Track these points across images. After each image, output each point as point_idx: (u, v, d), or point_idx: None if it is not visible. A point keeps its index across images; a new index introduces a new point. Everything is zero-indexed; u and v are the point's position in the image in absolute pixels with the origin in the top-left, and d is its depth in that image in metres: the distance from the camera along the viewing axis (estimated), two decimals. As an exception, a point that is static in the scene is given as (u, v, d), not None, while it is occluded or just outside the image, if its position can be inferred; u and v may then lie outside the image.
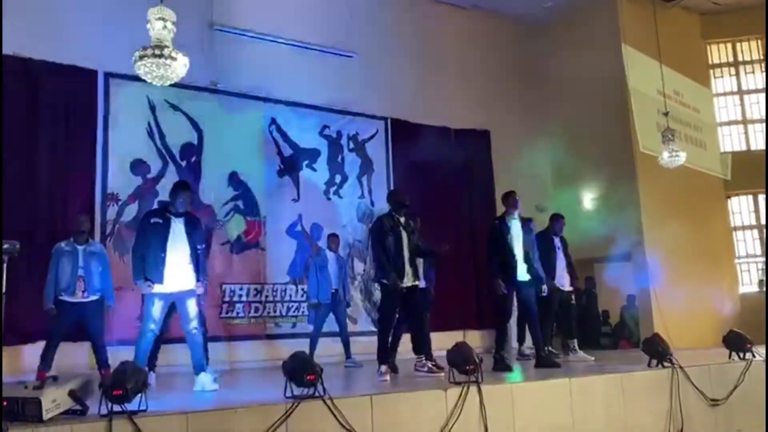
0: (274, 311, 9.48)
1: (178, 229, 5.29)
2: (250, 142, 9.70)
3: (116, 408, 3.41)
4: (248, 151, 9.64)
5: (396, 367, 6.44)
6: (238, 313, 9.20)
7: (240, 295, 9.23)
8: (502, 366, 6.12)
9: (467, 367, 4.51)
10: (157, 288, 5.17)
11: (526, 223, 6.76)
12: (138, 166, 8.79)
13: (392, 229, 5.94)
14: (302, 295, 9.56)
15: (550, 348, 7.47)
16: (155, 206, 8.39)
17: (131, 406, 3.45)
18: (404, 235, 5.95)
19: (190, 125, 9.26)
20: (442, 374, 5.42)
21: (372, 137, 10.90)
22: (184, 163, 9.14)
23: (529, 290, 6.52)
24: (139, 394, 3.51)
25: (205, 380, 5.19)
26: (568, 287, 7.56)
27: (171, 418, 3.54)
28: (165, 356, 6.49)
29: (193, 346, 5.29)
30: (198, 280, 5.30)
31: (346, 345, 8.27)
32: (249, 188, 9.56)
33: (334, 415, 3.89)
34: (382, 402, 4.14)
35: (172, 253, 5.20)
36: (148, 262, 5.18)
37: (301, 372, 3.95)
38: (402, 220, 6.02)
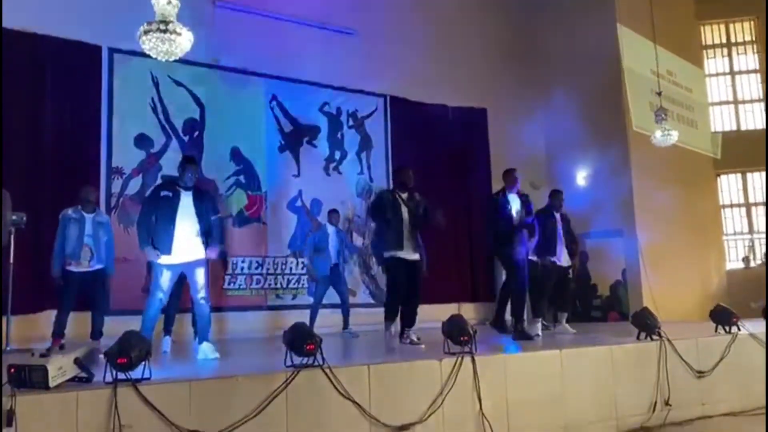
0: (275, 283, 9.50)
1: (186, 202, 5.26)
2: (252, 117, 9.64)
3: (121, 376, 3.41)
4: (249, 127, 9.59)
5: None
6: (240, 285, 9.22)
7: (242, 268, 9.24)
8: (523, 336, 6.18)
9: (462, 338, 4.52)
10: (166, 259, 5.16)
11: (524, 199, 6.72)
12: (142, 140, 8.74)
13: (392, 204, 5.91)
14: (302, 268, 9.57)
15: (542, 321, 7.49)
16: (159, 181, 8.41)
17: (135, 374, 3.45)
18: (404, 210, 5.92)
19: (193, 101, 9.19)
20: (423, 346, 5.60)
21: (371, 114, 10.84)
22: (186, 138, 9.09)
23: (525, 265, 6.54)
24: (143, 363, 3.51)
25: (207, 349, 5.21)
26: (565, 263, 7.52)
27: (174, 386, 3.55)
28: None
29: (200, 316, 5.31)
30: (209, 247, 5.29)
31: (347, 316, 8.29)
32: (251, 163, 9.53)
33: (333, 384, 3.90)
34: (379, 371, 4.16)
35: (181, 225, 5.19)
36: (157, 234, 5.16)
37: (300, 342, 3.95)
38: (404, 195, 5.98)
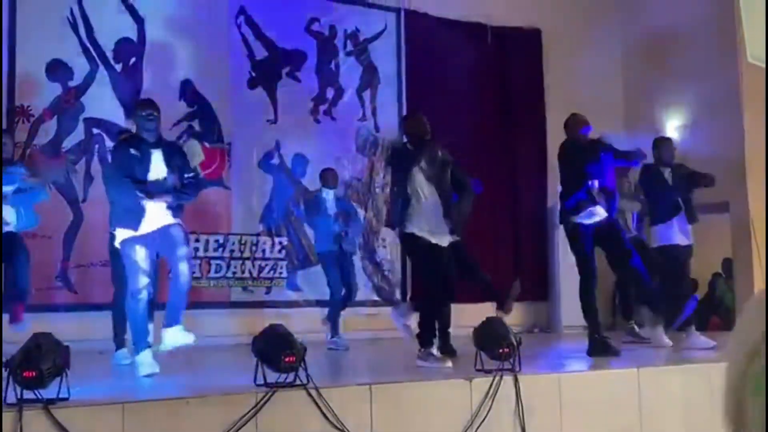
0: (242, 271, 9.54)
1: (156, 162, 5.44)
2: (211, 39, 9.62)
3: (28, 395, 3.45)
4: (207, 53, 9.57)
5: (454, 350, 6.55)
6: (193, 273, 9.24)
7: (196, 249, 9.27)
8: (603, 349, 6.17)
9: (500, 351, 4.54)
10: (131, 233, 5.34)
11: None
12: (56, 69, 8.73)
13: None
14: (280, 251, 9.60)
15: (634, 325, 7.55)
16: (80, 123, 8.58)
17: (48, 393, 3.49)
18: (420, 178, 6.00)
19: (128, 15, 9.16)
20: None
21: (378, 36, 10.78)
22: (119, 67, 9.08)
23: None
24: (59, 378, 3.54)
25: (177, 335, 5.20)
26: (686, 240, 7.34)
27: (101, 410, 3.59)
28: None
29: (177, 288, 5.47)
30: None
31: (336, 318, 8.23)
32: (208, 104, 9.52)
33: (320, 409, 3.93)
34: (385, 394, 4.19)
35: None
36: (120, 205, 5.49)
37: (277, 352, 3.99)
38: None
